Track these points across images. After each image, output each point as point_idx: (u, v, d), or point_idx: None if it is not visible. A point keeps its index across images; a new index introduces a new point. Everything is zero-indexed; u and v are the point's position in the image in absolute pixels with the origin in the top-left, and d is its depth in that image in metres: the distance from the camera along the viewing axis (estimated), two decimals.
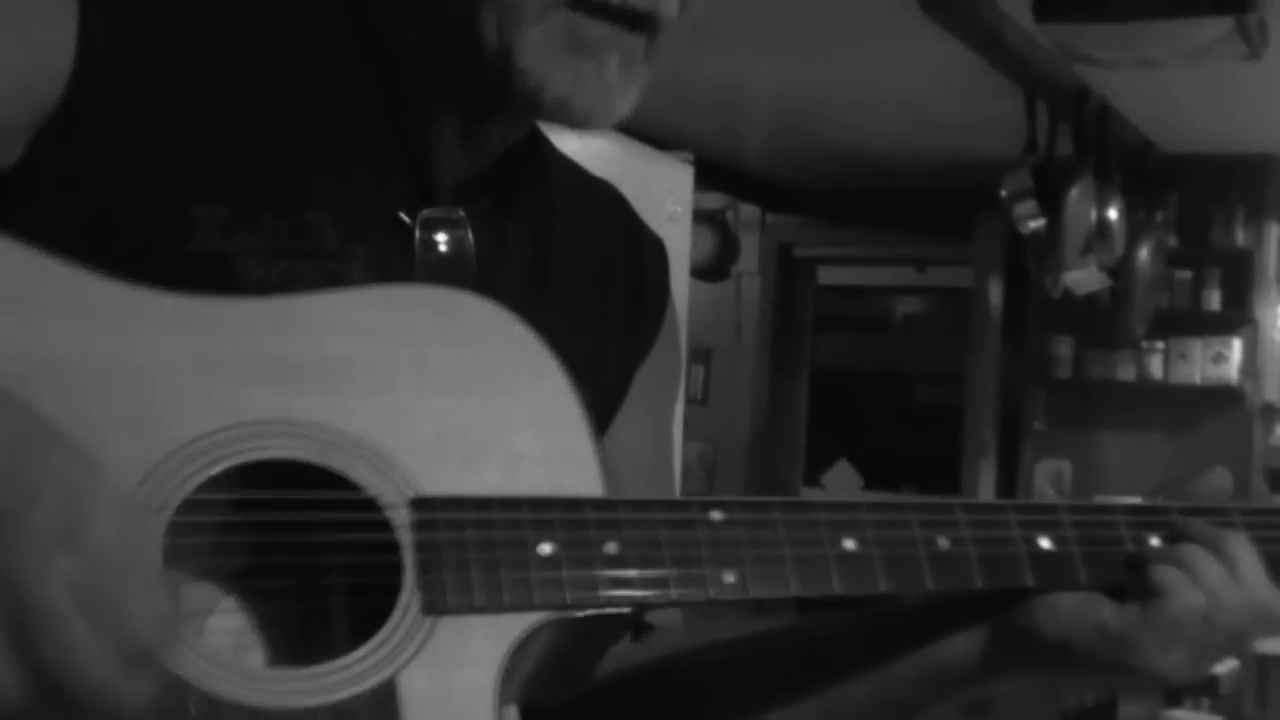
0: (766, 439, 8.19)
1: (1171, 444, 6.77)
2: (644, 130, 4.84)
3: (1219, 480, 1.02)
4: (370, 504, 0.83)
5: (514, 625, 0.83)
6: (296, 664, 0.81)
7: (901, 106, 6.12)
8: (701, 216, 6.52)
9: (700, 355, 7.88)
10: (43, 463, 0.69)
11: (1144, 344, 6.68)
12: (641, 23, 0.93)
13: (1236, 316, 6.72)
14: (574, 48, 0.92)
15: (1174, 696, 5.44)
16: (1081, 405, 7.01)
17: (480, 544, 0.83)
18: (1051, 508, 0.99)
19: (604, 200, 1.13)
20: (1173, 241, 6.50)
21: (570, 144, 1.14)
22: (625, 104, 0.94)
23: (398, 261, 0.94)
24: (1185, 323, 6.70)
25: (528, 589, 0.83)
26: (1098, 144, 5.64)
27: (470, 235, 0.97)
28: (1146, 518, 1.00)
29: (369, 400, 0.85)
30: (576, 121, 0.93)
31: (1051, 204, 5.50)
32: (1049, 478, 6.95)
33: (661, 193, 4.27)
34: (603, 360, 1.06)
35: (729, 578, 0.88)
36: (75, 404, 0.77)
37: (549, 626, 0.84)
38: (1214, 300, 6.73)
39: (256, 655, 0.84)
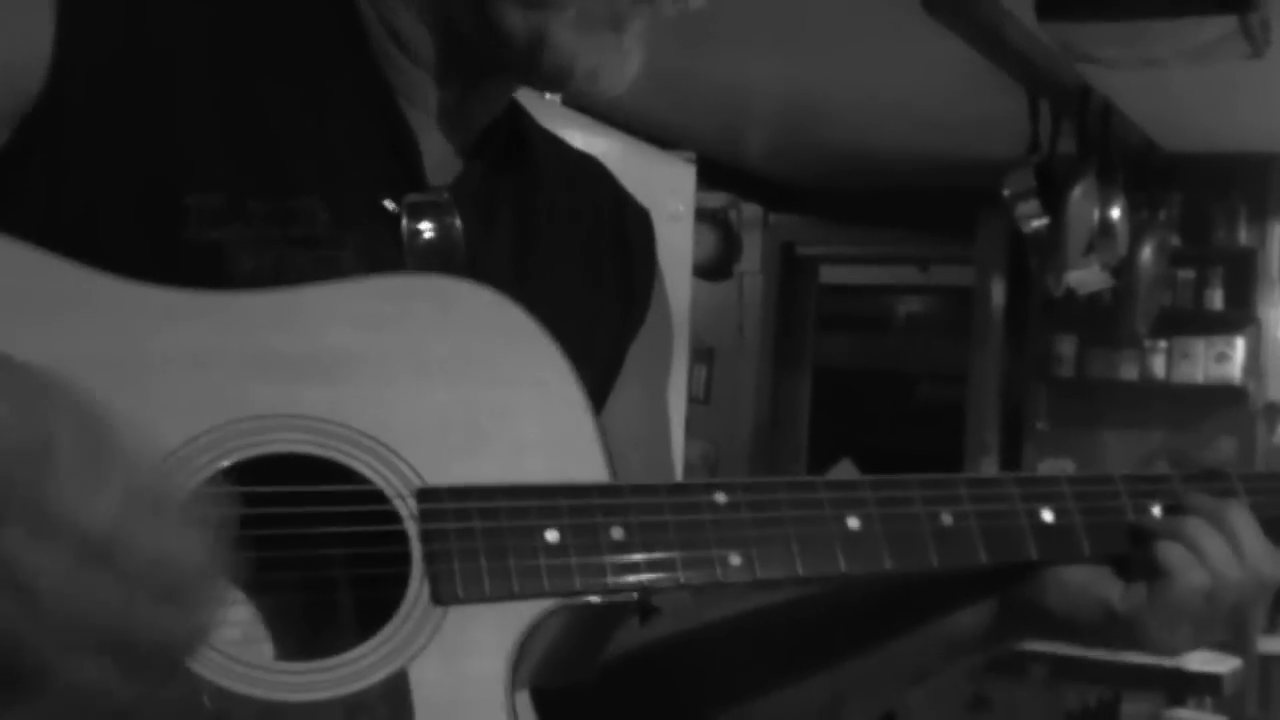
0: (769, 438, 8.19)
1: (1174, 443, 6.77)
2: (646, 129, 4.84)
3: (1223, 451, 1.03)
4: (376, 496, 0.83)
5: (523, 613, 0.84)
6: (305, 657, 0.81)
7: (904, 105, 6.12)
8: (704, 215, 6.51)
9: (703, 354, 7.88)
10: (52, 406, 0.68)
11: (1147, 343, 6.67)
12: None
13: (1239, 316, 6.72)
14: (604, 23, 0.94)
15: (1177, 695, 5.43)
16: (1084, 404, 7.01)
17: (487, 533, 0.84)
18: (1053, 479, 0.99)
19: (587, 173, 1.13)
20: (1175, 241, 6.49)
21: (574, 141, 1.15)
22: (636, 68, 0.97)
23: (387, 247, 0.94)
24: (1188, 322, 6.70)
25: (536, 576, 0.84)
26: (1100, 143, 5.64)
27: (458, 218, 0.98)
28: (1148, 486, 1.01)
29: (371, 392, 0.85)
30: (602, 88, 0.96)
31: (1054, 203, 5.50)
32: None
33: (664, 192, 4.27)
34: (594, 335, 1.06)
35: (735, 559, 0.89)
36: None
37: (557, 613, 0.85)
38: (1217, 299, 6.73)
39: (265, 648, 0.84)
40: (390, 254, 0.94)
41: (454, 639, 0.82)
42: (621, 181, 1.17)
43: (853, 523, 0.92)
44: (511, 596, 0.83)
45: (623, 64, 0.96)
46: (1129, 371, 6.81)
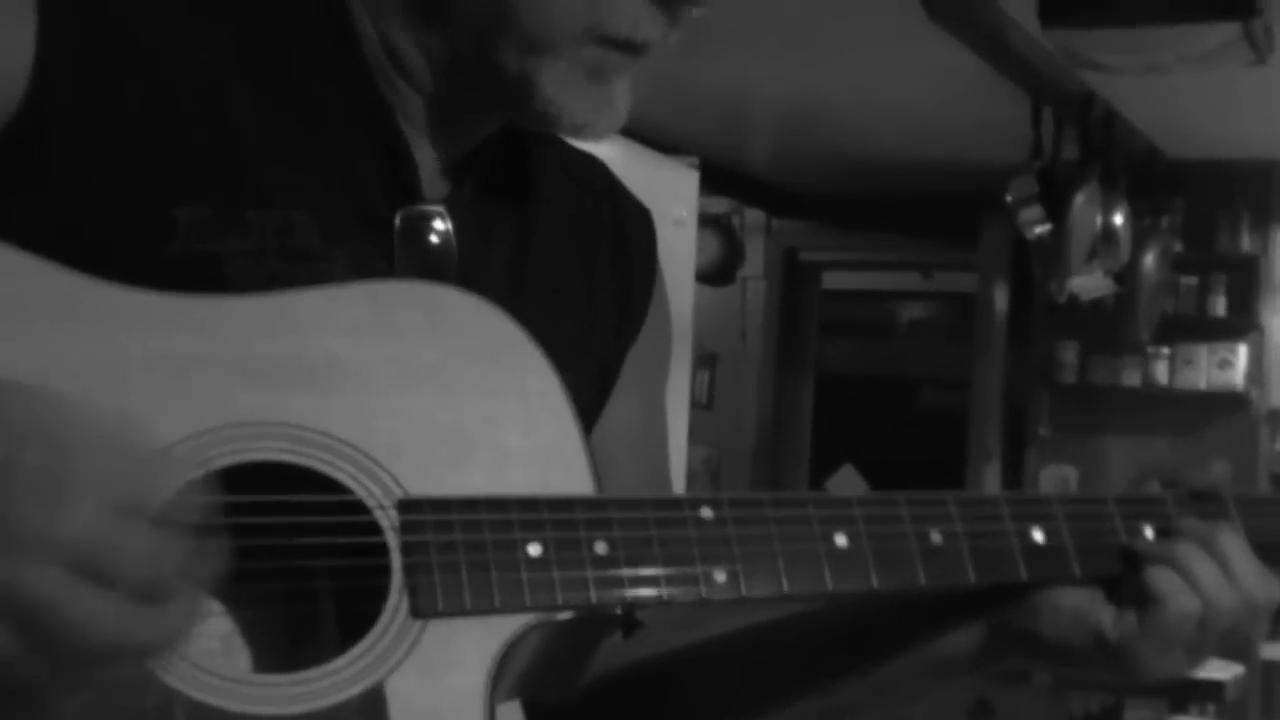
0: (771, 444, 8.18)
1: (1177, 450, 6.76)
2: (649, 135, 4.84)
3: (1216, 472, 1.01)
4: (357, 506, 0.82)
5: (503, 627, 0.83)
6: (284, 668, 0.80)
7: (907, 111, 6.11)
8: (707, 221, 6.50)
9: (705, 360, 7.87)
10: (22, 413, 0.68)
11: (1149, 350, 6.66)
12: (650, 49, 0.96)
13: (1242, 322, 6.71)
14: (593, 77, 0.94)
15: (1180, 702, 5.43)
16: (1086, 411, 7.00)
17: (469, 545, 0.83)
18: (1045, 499, 0.98)
19: (586, 173, 1.12)
20: (1178, 247, 6.48)
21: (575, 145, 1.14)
22: (625, 115, 0.97)
23: (380, 259, 0.94)
24: (1191, 328, 6.69)
25: (518, 590, 0.83)
26: (1103, 149, 5.63)
27: (451, 228, 0.97)
28: (1140, 508, 1.00)
29: (355, 400, 0.84)
30: (587, 139, 0.98)
31: (1057, 209, 5.49)
32: (1054, 483, 6.93)
33: (667, 197, 4.26)
34: (591, 340, 1.06)
35: (720, 576, 0.88)
36: None
37: (539, 627, 0.84)
38: (1219, 306, 6.71)
39: (243, 660, 0.84)
40: (383, 265, 0.94)
41: (433, 652, 0.81)
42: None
43: (840, 540, 0.91)
44: (492, 610, 0.82)
45: (611, 115, 0.96)
46: (1131, 378, 6.80)
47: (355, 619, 0.82)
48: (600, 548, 0.85)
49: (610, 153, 1.16)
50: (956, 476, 7.42)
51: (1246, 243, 6.72)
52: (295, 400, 0.83)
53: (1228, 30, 4.15)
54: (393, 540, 0.82)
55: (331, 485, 0.82)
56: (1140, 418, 6.83)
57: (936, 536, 0.94)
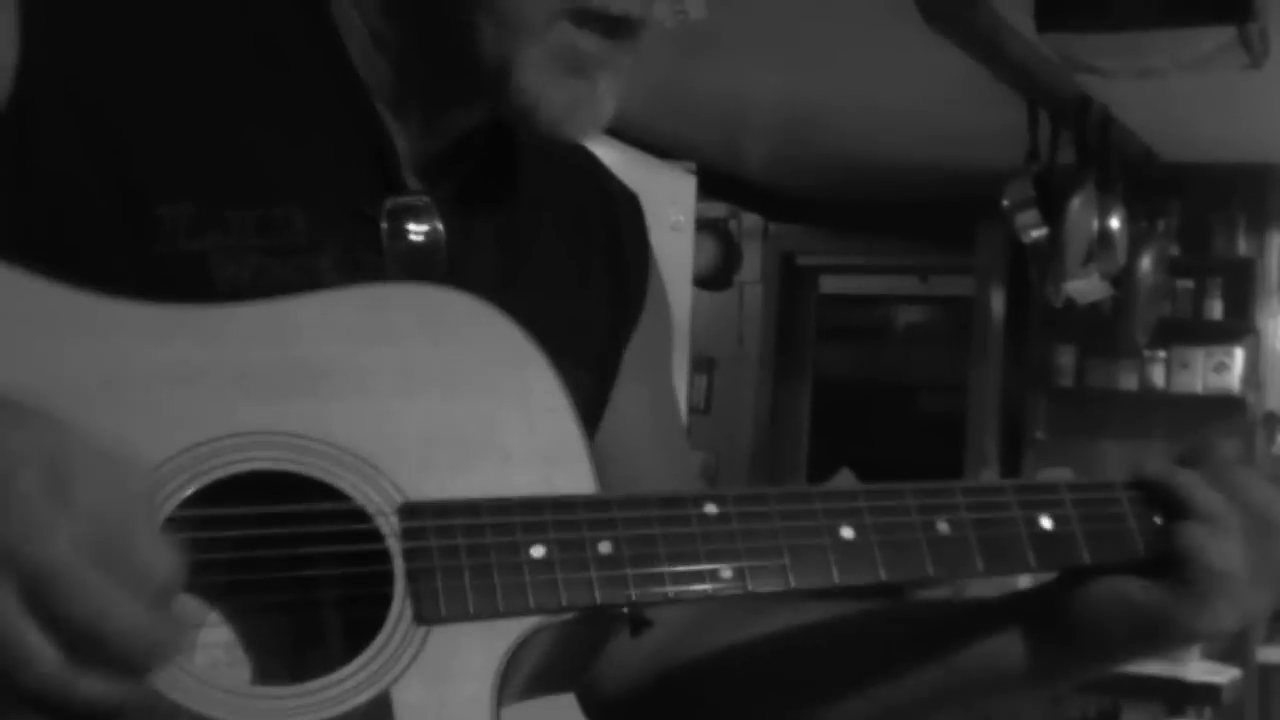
0: (769, 448, 8.18)
1: (1180, 449, 6.75)
2: (646, 140, 4.84)
3: (1229, 451, 0.99)
4: (359, 513, 0.82)
5: (508, 631, 0.82)
6: (288, 679, 0.79)
7: (903, 116, 6.12)
8: (704, 226, 6.50)
9: (703, 364, 7.87)
10: (18, 432, 0.68)
11: (1146, 353, 6.67)
12: (631, 29, 0.94)
13: (1238, 326, 6.71)
14: (571, 69, 0.92)
15: (1177, 706, 5.43)
16: (1083, 414, 7.00)
17: (471, 549, 0.82)
18: (1052, 486, 0.97)
19: (572, 161, 1.11)
20: (1174, 250, 6.48)
21: None
22: (608, 115, 0.95)
23: (367, 253, 0.93)
24: (1187, 332, 6.69)
25: (522, 593, 0.82)
26: (1099, 153, 5.63)
27: (439, 221, 0.96)
28: (1148, 493, 0.98)
29: (354, 406, 0.83)
30: (564, 138, 0.95)
31: (1053, 213, 5.50)
32: None
33: (664, 202, 4.26)
34: (587, 334, 1.05)
35: (726, 572, 0.87)
36: None
37: (544, 629, 0.83)
38: (1216, 309, 6.72)
39: (246, 671, 0.83)
40: (370, 259, 0.93)
41: (438, 659, 0.80)
42: None
43: (846, 533, 0.90)
44: (496, 614, 0.81)
45: (593, 112, 0.94)
46: (1128, 381, 6.80)
47: (359, 627, 0.81)
48: (604, 548, 0.84)
49: (606, 157, 1.15)
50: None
51: (1242, 246, 6.72)
52: (294, 408, 0.82)
53: (1223, 34, 4.16)
54: (395, 547, 0.81)
55: (332, 493, 0.82)
56: (1137, 421, 6.83)
57: (944, 526, 0.92)
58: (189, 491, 0.78)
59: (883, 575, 0.90)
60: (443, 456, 0.85)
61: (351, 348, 0.85)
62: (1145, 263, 6.09)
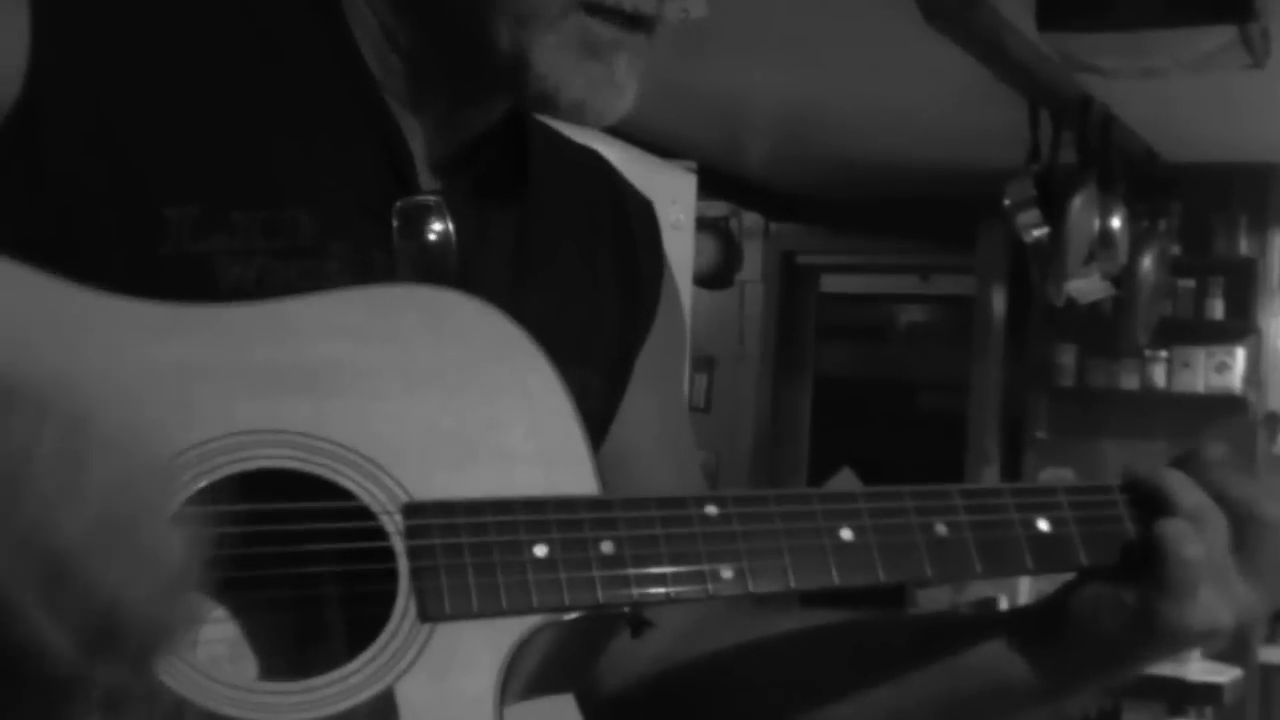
0: (770, 447, 8.18)
1: (1175, 453, 6.75)
2: (647, 138, 4.84)
3: (1216, 453, 1.00)
4: (362, 512, 0.82)
5: (511, 629, 0.82)
6: (292, 675, 0.80)
7: (904, 115, 6.12)
8: (704, 225, 6.51)
9: (703, 363, 7.87)
10: (28, 416, 0.68)
11: (1147, 353, 6.67)
12: (645, 24, 0.94)
13: (1240, 325, 6.71)
14: (587, 52, 0.93)
15: (1178, 706, 5.43)
16: (1084, 414, 7.00)
17: (475, 548, 0.82)
18: (1049, 489, 0.97)
19: (587, 166, 1.11)
20: (1176, 250, 6.48)
21: None
22: (630, 99, 0.96)
23: (377, 253, 0.93)
24: (1188, 331, 6.69)
25: (524, 592, 0.83)
26: (1101, 153, 5.63)
27: (450, 221, 0.96)
28: (1139, 495, 0.98)
29: (357, 405, 0.84)
30: (589, 121, 0.95)
31: (1054, 213, 5.49)
32: None
33: (664, 201, 4.26)
34: (598, 334, 1.05)
35: (727, 573, 0.87)
36: None
37: (547, 628, 0.84)
38: (1217, 309, 6.72)
39: (251, 667, 0.83)
40: (381, 259, 0.93)
41: (442, 656, 0.81)
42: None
43: (846, 534, 0.91)
44: (500, 612, 0.82)
45: (614, 97, 0.94)
46: (1129, 381, 6.80)
47: (363, 624, 0.81)
48: (606, 547, 0.85)
49: (608, 156, 1.16)
50: (955, 480, 7.37)
51: (1244, 246, 6.72)
52: (298, 407, 0.82)
53: (1224, 34, 4.16)
54: (398, 545, 0.81)
55: (336, 491, 0.82)
56: (1138, 421, 6.84)
57: (942, 528, 0.93)
58: (196, 488, 0.79)
59: (881, 576, 0.91)
60: (445, 456, 0.85)
61: (355, 348, 0.85)
62: (1146, 262, 6.09)
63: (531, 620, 0.83)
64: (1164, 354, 6.70)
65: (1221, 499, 0.95)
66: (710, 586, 0.87)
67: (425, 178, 0.97)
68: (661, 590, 0.86)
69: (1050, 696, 1.00)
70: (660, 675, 1.06)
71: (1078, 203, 5.51)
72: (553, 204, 1.05)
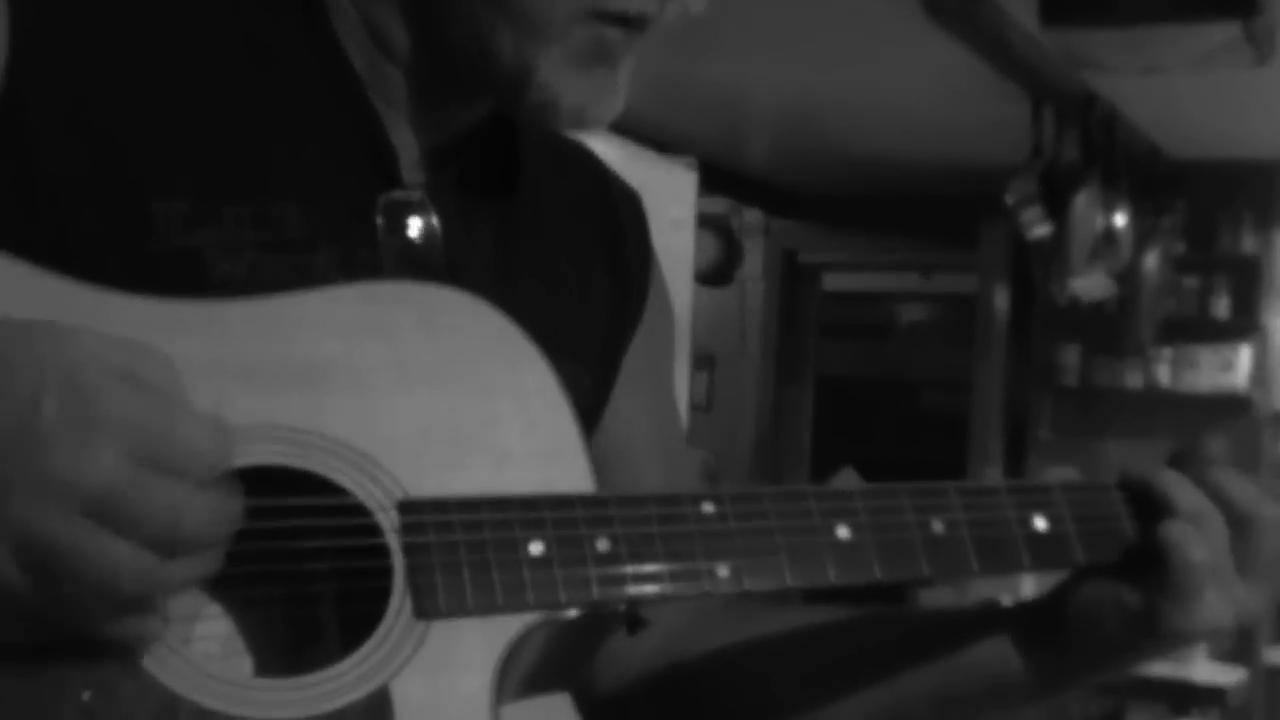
0: (771, 446, 8.19)
1: (1171, 451, 6.75)
2: (647, 135, 4.84)
3: (1217, 450, 1.00)
4: (358, 508, 0.81)
5: (507, 626, 0.82)
6: (287, 672, 0.79)
7: (906, 111, 6.12)
8: (705, 222, 6.51)
9: (704, 362, 7.87)
10: (28, 357, 0.70)
11: (1151, 351, 6.67)
12: (647, 24, 0.94)
13: (1244, 324, 6.71)
14: (593, 59, 0.92)
15: (1182, 707, 5.42)
16: (1088, 413, 7.00)
17: (470, 546, 0.82)
18: (1046, 487, 0.97)
19: (575, 163, 1.11)
20: (1180, 248, 6.49)
21: None
22: (624, 101, 0.96)
23: (363, 249, 0.92)
24: (1193, 330, 6.69)
25: (520, 590, 0.82)
26: (1104, 150, 5.64)
27: (435, 217, 0.95)
28: (1135, 494, 0.98)
29: (351, 401, 0.83)
30: (587, 126, 0.95)
31: (1058, 210, 5.50)
32: None
33: (665, 198, 4.27)
34: (587, 328, 1.05)
35: (723, 570, 0.87)
36: None
37: (542, 626, 0.83)
38: (1222, 307, 6.72)
39: (246, 664, 0.83)
40: (366, 255, 0.92)
41: (437, 654, 0.80)
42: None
43: (843, 532, 0.90)
44: (495, 610, 0.82)
45: (613, 101, 0.95)
46: (1133, 380, 6.80)
47: (358, 622, 0.81)
48: (602, 545, 0.85)
49: (607, 153, 1.16)
50: (957, 479, 7.41)
51: (1249, 243, 6.72)
52: (292, 403, 0.82)
53: (1229, 30, 4.16)
54: (394, 542, 0.81)
55: (332, 488, 0.82)
56: (1142, 420, 6.83)
57: (939, 526, 0.93)
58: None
59: (878, 574, 0.91)
60: (440, 453, 0.85)
61: (350, 344, 0.85)
62: (1150, 260, 6.09)
63: (527, 618, 0.83)
64: (1168, 352, 6.70)
65: (1219, 499, 0.96)
66: (706, 584, 0.87)
67: (410, 173, 0.96)
68: (657, 588, 0.86)
69: (1045, 692, 1.01)
70: (656, 672, 1.06)
71: (1081, 200, 5.51)
72: (540, 198, 1.05)
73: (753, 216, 7.94)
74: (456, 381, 0.86)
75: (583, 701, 1.06)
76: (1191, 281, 6.67)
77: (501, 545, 0.83)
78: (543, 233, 1.04)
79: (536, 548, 0.83)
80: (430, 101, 0.96)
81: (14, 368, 0.69)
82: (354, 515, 0.81)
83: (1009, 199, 5.55)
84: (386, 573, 0.81)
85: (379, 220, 0.94)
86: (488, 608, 0.81)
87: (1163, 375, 6.75)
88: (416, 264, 0.94)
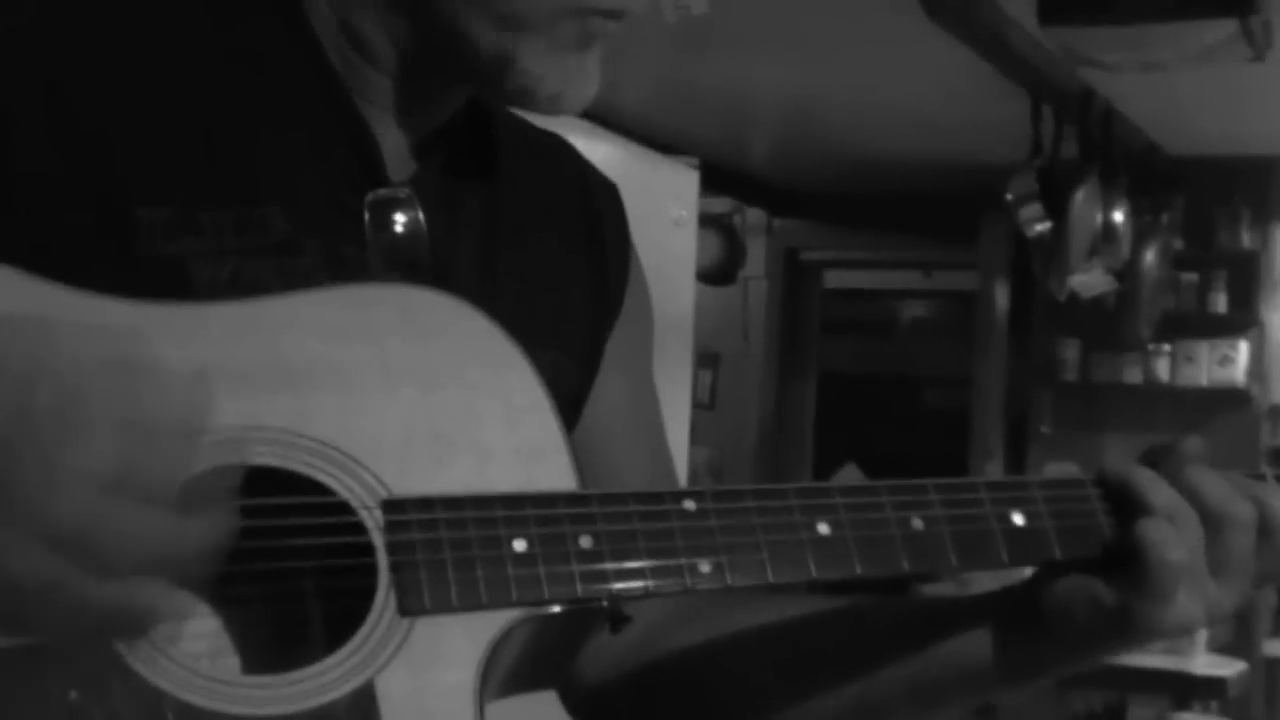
0: (774, 443, 8.18)
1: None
2: (650, 135, 4.85)
3: (1193, 448, 1.00)
4: (342, 507, 0.82)
5: (491, 623, 0.83)
6: (273, 669, 0.80)
7: (906, 110, 6.12)
8: (708, 221, 6.50)
9: (707, 360, 7.87)
10: (22, 353, 0.69)
11: (1150, 347, 6.66)
12: (625, 14, 0.95)
13: (1243, 318, 6.71)
14: (573, 46, 0.93)
15: (1183, 699, 5.43)
16: (1088, 408, 7.00)
17: (454, 543, 0.83)
18: (1023, 483, 0.98)
19: (552, 155, 1.12)
20: (1178, 244, 6.48)
21: (576, 146, 1.14)
22: (597, 86, 0.97)
23: (349, 247, 0.93)
24: (1191, 325, 6.69)
25: (504, 586, 0.83)
26: (1103, 147, 5.64)
27: (421, 213, 0.96)
28: (1111, 490, 0.99)
29: (335, 402, 0.84)
30: (564, 111, 0.95)
31: (1057, 207, 5.50)
32: None
33: (667, 197, 4.26)
34: (570, 318, 1.05)
35: (705, 567, 0.88)
36: None
37: (526, 623, 0.84)
38: (1220, 302, 6.72)
39: (233, 662, 0.83)
40: (353, 252, 0.93)
41: (421, 650, 0.81)
42: (621, 185, 1.15)
43: (823, 529, 0.91)
44: (479, 607, 0.82)
45: (587, 85, 0.95)
46: (1133, 375, 6.80)
47: (343, 619, 0.81)
48: (585, 542, 0.85)
49: (610, 152, 1.16)
50: (959, 475, 7.40)
51: (1247, 239, 6.72)
52: (277, 405, 0.83)
53: (1226, 27, 4.16)
54: (378, 540, 0.82)
55: (316, 488, 0.82)
56: (1142, 415, 6.83)
57: (918, 522, 0.94)
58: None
59: (858, 570, 0.91)
60: (424, 452, 0.85)
61: (333, 346, 0.85)
62: (1149, 256, 6.09)
63: (511, 614, 0.83)
64: (1167, 348, 6.70)
65: (1194, 497, 0.96)
66: (689, 580, 0.87)
67: (394, 169, 0.97)
68: (640, 584, 0.86)
69: (1014, 681, 1.01)
70: (637, 664, 1.07)
71: (1080, 197, 5.51)
72: (520, 188, 1.05)
73: (755, 216, 7.93)
74: (440, 382, 0.87)
75: (569, 696, 1.08)
76: (1190, 277, 6.68)
77: (485, 543, 0.83)
78: (523, 222, 1.05)
79: (520, 545, 0.84)
80: (411, 98, 0.97)
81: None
82: (338, 514, 0.82)
83: (1009, 196, 5.54)
84: (371, 570, 0.81)
85: (365, 218, 0.94)
86: (471, 604, 0.82)
87: (1162, 370, 6.75)
88: (403, 260, 0.95)
